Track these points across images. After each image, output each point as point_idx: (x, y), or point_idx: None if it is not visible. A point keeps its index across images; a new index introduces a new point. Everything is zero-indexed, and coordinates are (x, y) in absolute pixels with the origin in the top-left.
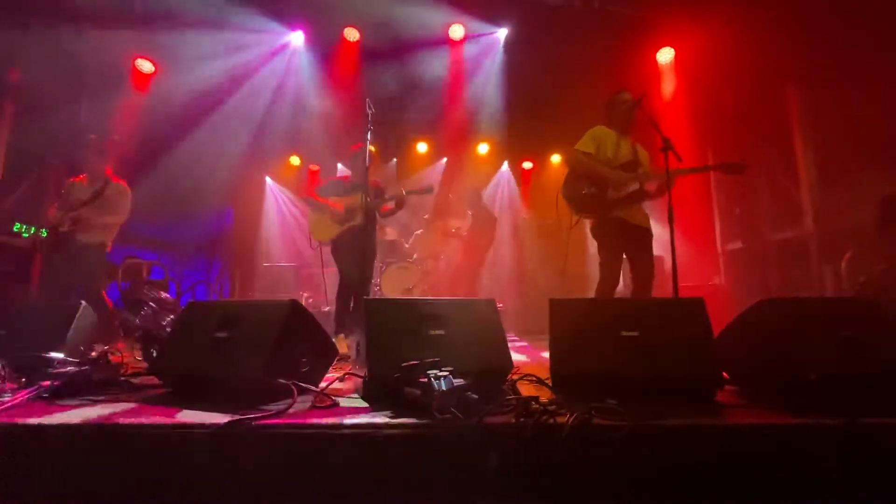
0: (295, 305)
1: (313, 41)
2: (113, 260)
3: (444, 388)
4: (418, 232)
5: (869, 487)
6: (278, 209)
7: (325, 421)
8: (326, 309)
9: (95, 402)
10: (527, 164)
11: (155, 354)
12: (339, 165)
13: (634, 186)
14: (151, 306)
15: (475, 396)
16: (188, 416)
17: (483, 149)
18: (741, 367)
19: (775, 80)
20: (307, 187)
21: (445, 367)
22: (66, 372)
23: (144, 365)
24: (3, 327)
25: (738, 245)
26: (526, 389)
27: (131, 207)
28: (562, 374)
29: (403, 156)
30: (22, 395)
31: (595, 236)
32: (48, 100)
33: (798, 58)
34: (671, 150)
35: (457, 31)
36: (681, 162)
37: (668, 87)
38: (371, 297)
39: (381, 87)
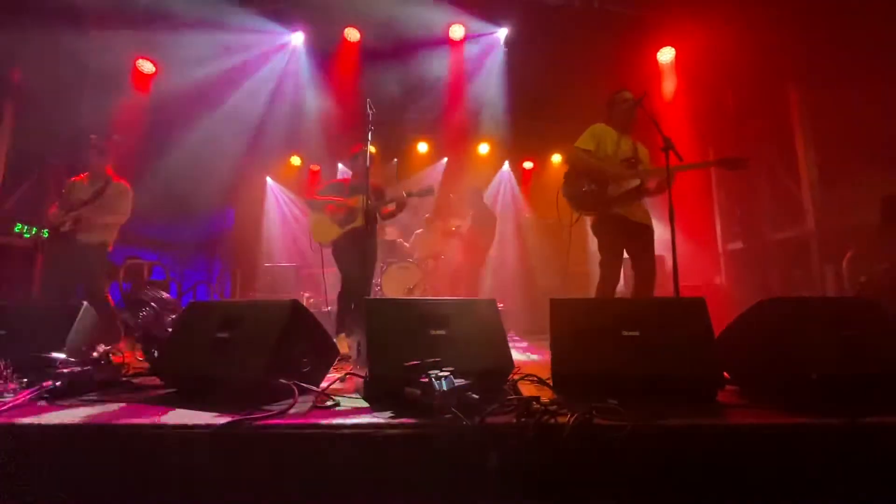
0: (296, 306)
1: (314, 41)
2: (114, 260)
3: (444, 388)
4: (419, 231)
5: (870, 487)
6: (279, 209)
7: (326, 421)
8: (327, 309)
9: (94, 402)
10: (527, 164)
11: (156, 355)
12: (340, 166)
13: (635, 183)
14: (152, 307)
15: (476, 396)
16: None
17: (483, 149)
18: (742, 367)
19: (776, 80)
20: (308, 188)
21: (446, 367)
22: (68, 372)
23: (146, 365)
24: (5, 328)
25: (738, 245)
26: (527, 389)
27: (132, 207)
28: (563, 374)
29: (404, 155)
30: (23, 396)
31: (595, 233)
32: (49, 100)
33: (799, 57)
34: (672, 150)
35: (457, 31)
36: (682, 161)
37: (668, 86)
38: (372, 297)
39: (381, 88)
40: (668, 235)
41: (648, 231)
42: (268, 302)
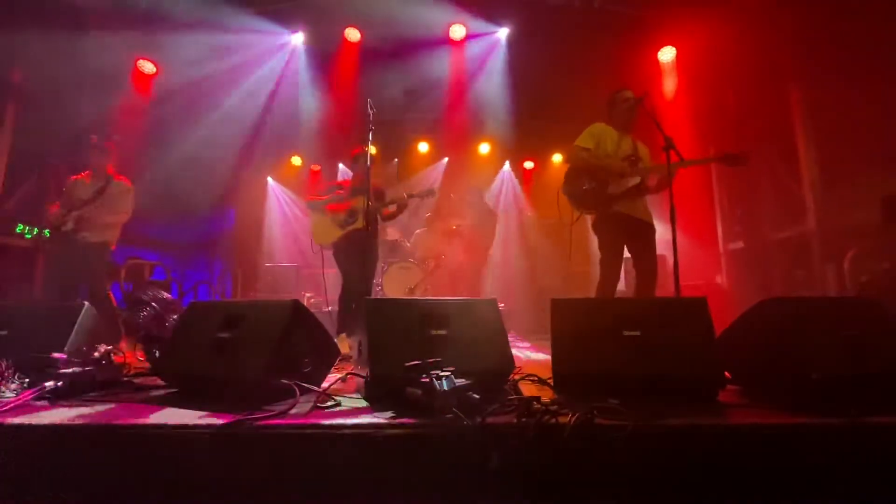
0: (297, 306)
1: (314, 42)
2: (115, 260)
3: (445, 388)
4: (419, 231)
5: (871, 487)
6: (280, 209)
7: (326, 421)
8: (328, 309)
9: (95, 403)
10: (528, 164)
11: (157, 355)
12: (340, 166)
13: (635, 181)
14: (153, 307)
15: (477, 396)
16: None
17: (484, 148)
18: (743, 367)
19: (777, 79)
20: (309, 190)
21: (447, 367)
22: (69, 372)
23: (147, 365)
24: (7, 328)
25: (739, 244)
26: (528, 389)
27: (134, 206)
28: (563, 374)
29: (405, 155)
30: (25, 396)
31: (596, 232)
32: (50, 100)
33: (800, 56)
34: (673, 149)
35: (457, 31)
36: (682, 161)
37: (669, 85)
38: (373, 297)
39: (382, 88)
40: (668, 235)
41: (650, 229)
42: (269, 302)
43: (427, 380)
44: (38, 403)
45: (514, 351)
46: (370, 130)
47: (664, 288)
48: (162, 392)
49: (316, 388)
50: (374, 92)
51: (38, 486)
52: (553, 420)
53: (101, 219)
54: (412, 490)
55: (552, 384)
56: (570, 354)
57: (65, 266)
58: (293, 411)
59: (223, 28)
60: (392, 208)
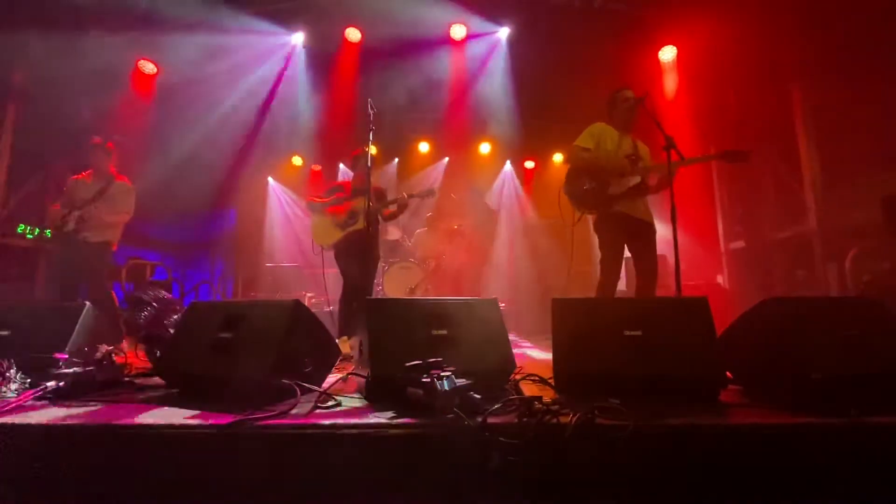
0: (298, 306)
1: (315, 42)
2: (116, 260)
3: (446, 388)
4: (420, 231)
5: (871, 487)
6: (281, 209)
7: (327, 421)
8: (328, 309)
9: (96, 403)
10: (529, 164)
11: (158, 355)
12: (341, 166)
13: (636, 180)
14: (154, 307)
15: (478, 396)
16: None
17: (485, 148)
18: (744, 367)
19: (778, 79)
20: (311, 192)
21: (448, 367)
22: (71, 373)
23: (148, 365)
24: (8, 328)
25: (740, 244)
26: (529, 389)
27: (135, 206)
28: (565, 374)
29: (405, 155)
30: (27, 396)
31: (596, 231)
32: (51, 101)
33: (801, 56)
34: (674, 149)
35: (458, 31)
36: (683, 159)
37: (670, 85)
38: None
39: (382, 87)
40: (669, 234)
41: (650, 228)
42: (270, 302)
43: (428, 380)
44: (39, 403)
45: (515, 351)
46: (371, 131)
47: (665, 287)
48: (163, 392)
49: (317, 388)
50: (374, 92)
51: (39, 486)
52: (554, 420)
53: (102, 219)
54: (413, 490)
55: (553, 384)
56: (571, 354)
57: (66, 266)
58: (294, 411)
59: (224, 28)
60: (393, 208)
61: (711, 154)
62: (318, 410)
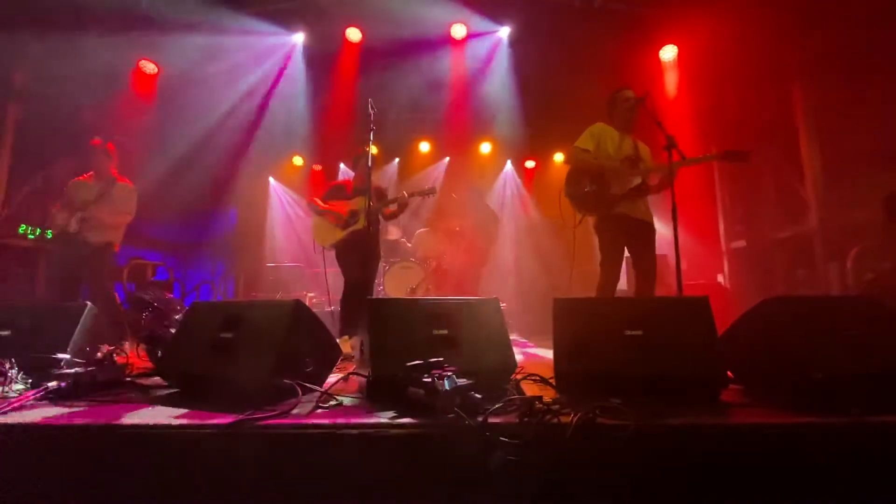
0: (299, 305)
1: (315, 42)
2: (118, 261)
3: (447, 387)
4: (421, 231)
5: (873, 487)
6: (282, 209)
7: (328, 421)
8: (329, 309)
9: (97, 403)
10: (529, 163)
11: (159, 355)
12: (342, 166)
13: (637, 181)
14: (156, 307)
15: (479, 396)
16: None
17: (485, 148)
18: (745, 366)
19: (779, 78)
20: (311, 192)
21: (449, 366)
22: (72, 373)
23: (150, 365)
24: (10, 328)
25: (741, 243)
26: (529, 389)
27: (136, 207)
28: (565, 374)
29: (406, 155)
30: (27, 396)
31: (597, 232)
32: (52, 101)
33: (802, 55)
34: (675, 148)
35: (458, 31)
36: (684, 159)
37: (671, 84)
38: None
39: (383, 87)
40: (670, 234)
41: (650, 229)
42: (271, 302)
43: (429, 380)
44: (41, 403)
45: (515, 350)
46: (371, 130)
47: (666, 286)
48: (164, 392)
49: (318, 387)
50: (375, 92)
51: (39, 485)
52: (555, 420)
53: (104, 220)
54: (414, 490)
55: (554, 384)
56: (571, 354)
57: (68, 266)
58: (295, 411)
59: (224, 28)
60: (393, 207)
61: (712, 154)
62: (319, 410)
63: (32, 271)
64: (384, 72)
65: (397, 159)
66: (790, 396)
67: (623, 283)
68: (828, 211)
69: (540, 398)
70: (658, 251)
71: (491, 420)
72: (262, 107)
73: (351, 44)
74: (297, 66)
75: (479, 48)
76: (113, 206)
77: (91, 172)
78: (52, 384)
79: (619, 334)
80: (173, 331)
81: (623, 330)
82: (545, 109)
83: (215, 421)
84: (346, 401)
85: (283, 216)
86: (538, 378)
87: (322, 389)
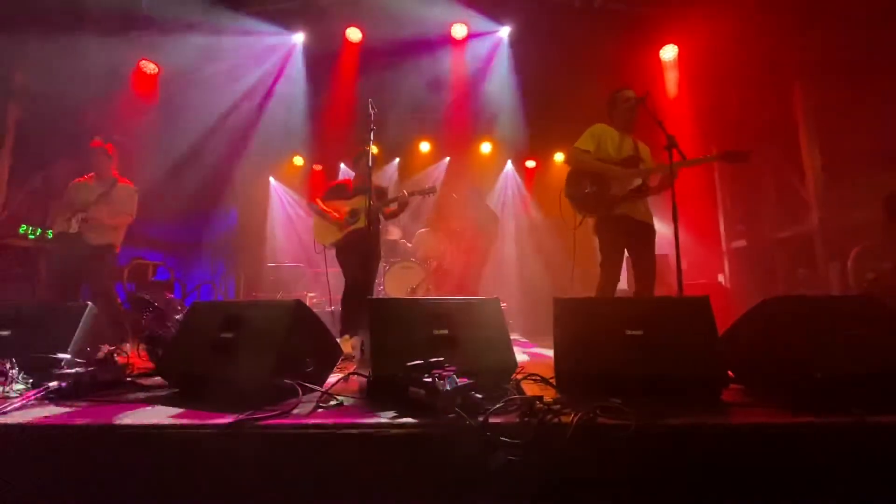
0: (299, 306)
1: (316, 42)
2: (118, 261)
3: (448, 387)
4: (421, 231)
5: (873, 487)
6: (283, 209)
7: (329, 421)
8: (330, 309)
9: (98, 403)
10: (530, 163)
11: (160, 355)
12: (342, 166)
13: (637, 182)
14: (156, 307)
15: (479, 396)
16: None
17: (486, 148)
18: (746, 366)
19: (780, 77)
20: (311, 192)
21: (449, 366)
22: (73, 373)
23: (150, 365)
24: (11, 328)
25: (742, 243)
26: (530, 389)
27: (137, 208)
28: (566, 374)
29: (406, 155)
30: (29, 396)
31: (597, 233)
32: (52, 102)
33: (802, 55)
34: (675, 148)
35: (459, 30)
36: (685, 160)
37: (671, 84)
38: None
39: (383, 87)
40: (671, 234)
41: (650, 229)
42: (271, 302)
43: (429, 379)
44: (41, 403)
45: (516, 350)
46: (371, 130)
47: (667, 286)
48: (165, 392)
49: (318, 387)
50: (375, 92)
51: (40, 486)
52: (555, 420)
53: (106, 220)
54: (414, 490)
55: (554, 384)
56: (572, 354)
57: (68, 267)
58: (295, 411)
59: (224, 28)
60: (393, 206)
61: (712, 155)
62: (319, 410)
63: (32, 271)
64: (384, 72)
65: (397, 159)
66: (790, 396)
67: (623, 283)
68: (828, 211)
69: (540, 398)
70: (659, 251)
71: (491, 420)
72: (263, 107)
73: (351, 44)
74: (298, 66)
75: (479, 48)
76: (113, 207)
77: (92, 174)
78: (53, 384)
79: (620, 334)
80: (174, 331)
81: (624, 330)
82: (545, 109)
83: (216, 421)
84: (347, 401)
85: (284, 216)
86: (539, 378)
87: (322, 389)
